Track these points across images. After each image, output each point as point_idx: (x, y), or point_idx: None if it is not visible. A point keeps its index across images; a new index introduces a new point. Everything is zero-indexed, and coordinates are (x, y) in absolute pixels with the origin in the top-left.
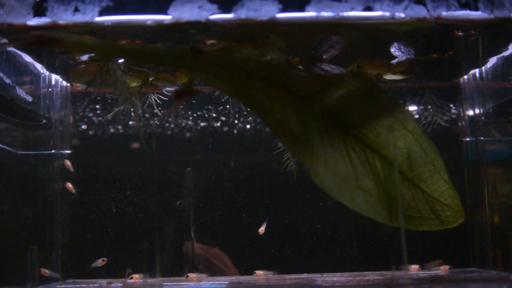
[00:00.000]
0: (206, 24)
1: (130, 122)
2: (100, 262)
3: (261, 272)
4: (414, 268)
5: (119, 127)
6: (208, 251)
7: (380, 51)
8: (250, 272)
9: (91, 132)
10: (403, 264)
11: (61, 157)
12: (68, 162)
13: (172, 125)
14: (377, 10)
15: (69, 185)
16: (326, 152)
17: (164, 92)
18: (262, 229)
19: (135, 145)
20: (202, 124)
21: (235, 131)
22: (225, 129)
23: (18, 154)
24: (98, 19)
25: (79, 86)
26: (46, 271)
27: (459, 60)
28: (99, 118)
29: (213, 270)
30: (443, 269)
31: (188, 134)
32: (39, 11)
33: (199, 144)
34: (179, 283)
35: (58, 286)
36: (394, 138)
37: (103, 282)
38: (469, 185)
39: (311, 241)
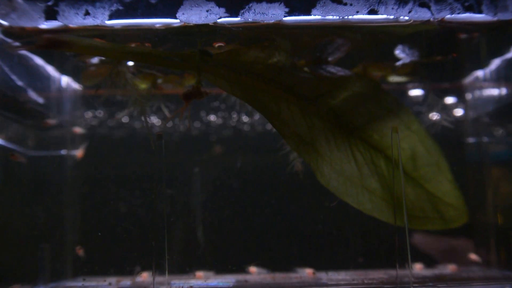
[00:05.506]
0: (214, 27)
1: (139, 123)
2: (77, 250)
3: (254, 268)
4: (418, 267)
5: (128, 128)
6: (450, 242)
7: (384, 53)
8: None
9: (100, 133)
10: (407, 263)
11: (72, 159)
12: (77, 129)
13: (181, 127)
14: (381, 13)
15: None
16: (332, 153)
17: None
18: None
19: (144, 146)
20: (209, 125)
21: (242, 133)
22: (232, 130)
23: (29, 155)
24: (108, 22)
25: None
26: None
27: (463, 62)
28: (109, 119)
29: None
30: (451, 268)
31: (195, 135)
32: (50, 14)
33: (206, 145)
34: (187, 281)
35: (69, 283)
36: (399, 139)
37: (113, 280)
38: (473, 185)
39: (317, 240)
